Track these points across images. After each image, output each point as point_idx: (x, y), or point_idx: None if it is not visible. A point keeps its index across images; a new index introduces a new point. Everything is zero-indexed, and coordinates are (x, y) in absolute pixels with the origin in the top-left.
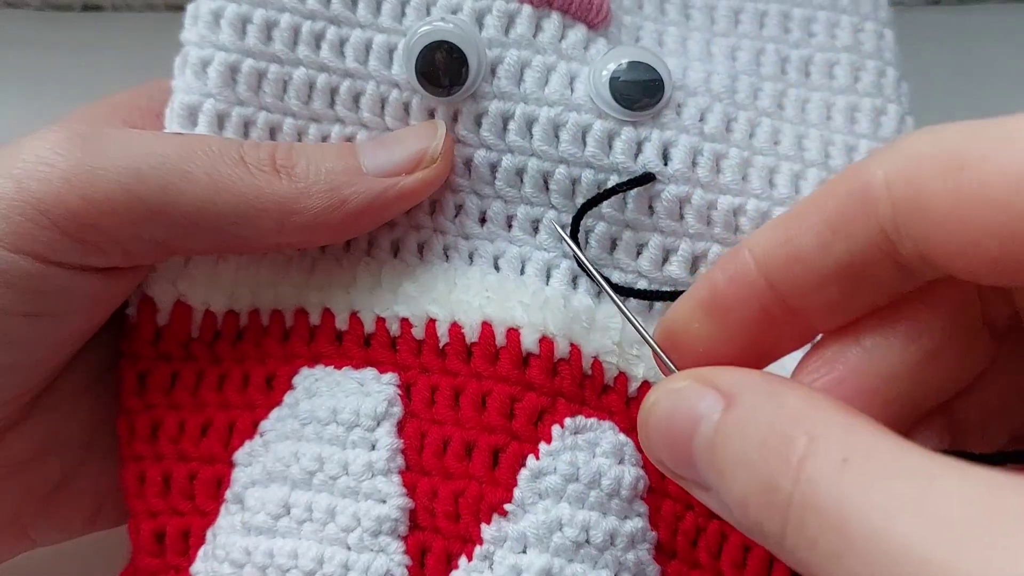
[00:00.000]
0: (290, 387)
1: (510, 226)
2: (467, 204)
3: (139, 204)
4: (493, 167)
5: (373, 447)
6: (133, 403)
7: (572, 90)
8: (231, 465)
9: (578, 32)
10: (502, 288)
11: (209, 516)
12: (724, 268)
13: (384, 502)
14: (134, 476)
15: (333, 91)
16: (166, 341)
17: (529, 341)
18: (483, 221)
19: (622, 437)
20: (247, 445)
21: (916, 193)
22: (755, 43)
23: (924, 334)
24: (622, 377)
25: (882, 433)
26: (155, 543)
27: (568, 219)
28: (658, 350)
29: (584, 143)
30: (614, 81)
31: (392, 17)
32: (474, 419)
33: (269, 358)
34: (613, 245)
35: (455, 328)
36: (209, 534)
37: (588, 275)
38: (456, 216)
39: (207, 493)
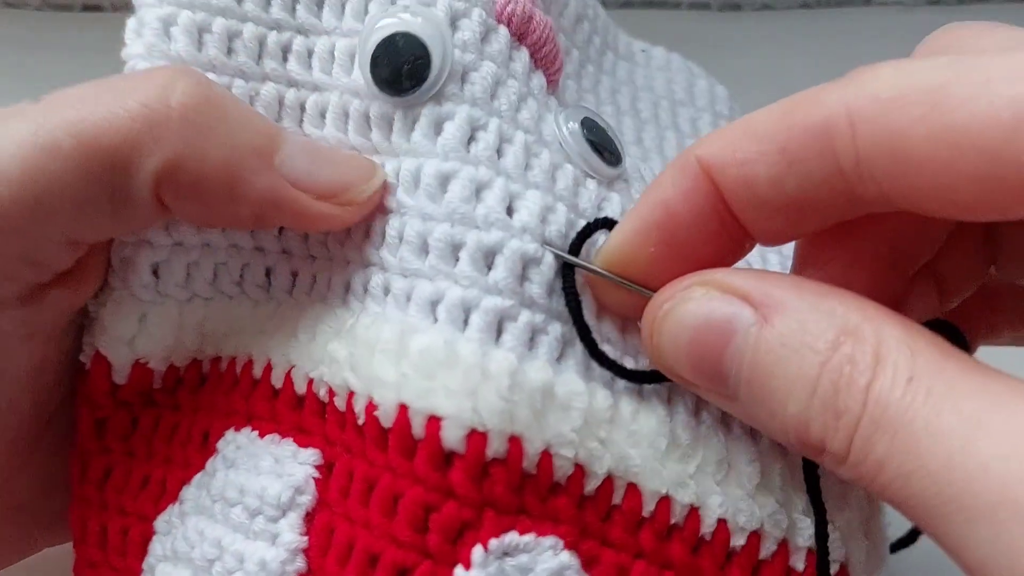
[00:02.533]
0: (215, 451)
1: (456, 258)
2: (407, 230)
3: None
4: (445, 179)
5: (274, 541)
6: (90, 445)
7: (542, 127)
8: (153, 529)
9: (540, 78)
10: (426, 360)
11: None
12: (676, 184)
13: None
14: (78, 521)
15: (302, 107)
16: (125, 393)
17: (452, 438)
18: (426, 252)
19: (565, 557)
20: (168, 510)
21: (888, 136)
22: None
23: None
24: (578, 473)
25: (941, 347)
26: None
27: (532, 249)
28: (636, 287)
29: (555, 180)
30: (581, 135)
31: (354, 17)
32: (382, 525)
33: (213, 411)
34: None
35: (370, 407)
36: None
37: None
38: (399, 246)
39: (136, 554)
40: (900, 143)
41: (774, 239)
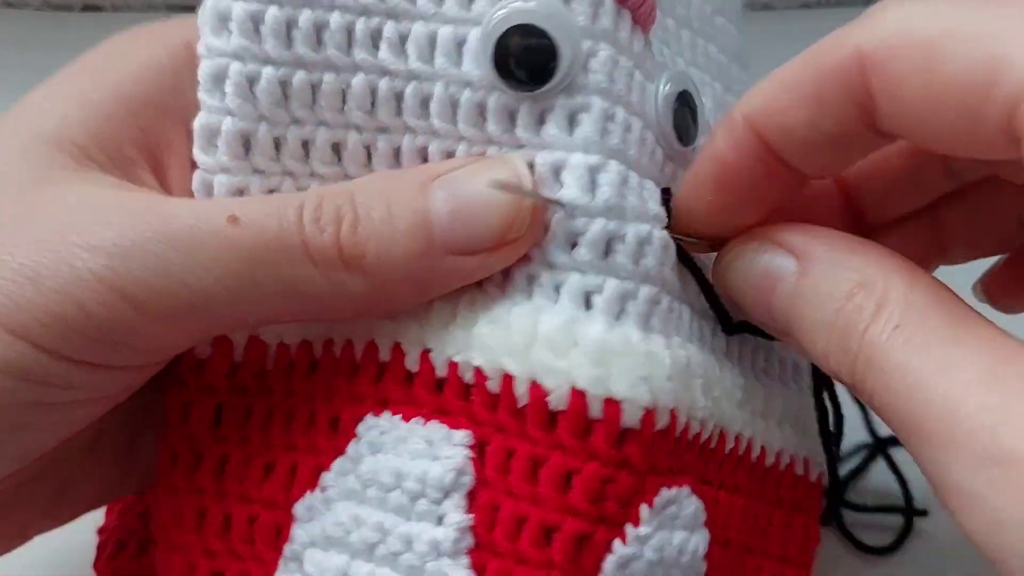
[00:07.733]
0: (354, 436)
1: (608, 252)
2: (553, 224)
3: (202, 320)
4: (594, 173)
5: (440, 521)
6: (203, 434)
7: (646, 103)
8: (291, 516)
9: (639, 40)
10: (599, 348)
11: (269, 565)
12: (725, 139)
13: None
14: (193, 510)
15: (398, 97)
16: (241, 376)
17: (632, 418)
18: (574, 245)
19: (695, 499)
20: (308, 498)
21: (888, 83)
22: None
23: None
24: (701, 430)
25: (936, 298)
26: None
27: (666, 236)
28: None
29: (654, 164)
30: (670, 115)
31: (459, 5)
32: (556, 500)
33: (336, 396)
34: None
35: (536, 390)
36: None
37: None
38: (544, 239)
39: (266, 541)
40: (898, 91)
41: (826, 172)
